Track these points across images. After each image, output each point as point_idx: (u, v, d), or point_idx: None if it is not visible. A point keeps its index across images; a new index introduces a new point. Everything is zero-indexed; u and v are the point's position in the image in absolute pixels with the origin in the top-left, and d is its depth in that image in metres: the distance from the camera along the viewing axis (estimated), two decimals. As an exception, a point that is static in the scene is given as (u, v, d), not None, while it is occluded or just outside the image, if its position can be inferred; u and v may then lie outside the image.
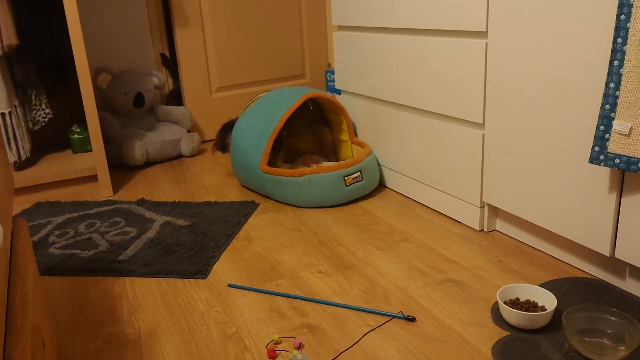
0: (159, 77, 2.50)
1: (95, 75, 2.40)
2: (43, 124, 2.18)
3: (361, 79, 1.94)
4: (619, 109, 1.05)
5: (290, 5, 2.77)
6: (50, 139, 2.54)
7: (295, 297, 1.28)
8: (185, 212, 1.81)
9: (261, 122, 1.87)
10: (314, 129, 2.12)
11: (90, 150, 2.36)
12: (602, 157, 1.09)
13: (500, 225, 1.55)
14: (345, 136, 2.03)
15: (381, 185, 1.96)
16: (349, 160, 1.80)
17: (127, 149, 2.31)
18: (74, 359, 1.12)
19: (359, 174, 1.79)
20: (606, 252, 1.19)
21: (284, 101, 1.88)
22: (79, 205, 1.94)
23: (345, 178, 1.77)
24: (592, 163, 1.11)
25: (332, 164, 1.92)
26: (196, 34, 2.58)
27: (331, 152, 2.10)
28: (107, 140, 2.38)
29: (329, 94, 1.95)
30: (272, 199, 1.89)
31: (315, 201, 1.78)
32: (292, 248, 1.53)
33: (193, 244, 1.57)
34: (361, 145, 1.96)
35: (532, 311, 1.11)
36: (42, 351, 0.76)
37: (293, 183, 1.77)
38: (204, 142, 2.71)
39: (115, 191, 2.10)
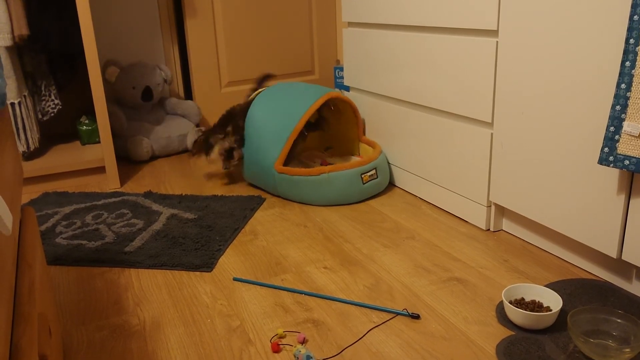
0: (166, 71, 2.51)
1: (103, 68, 2.40)
2: (52, 114, 2.19)
3: (370, 76, 1.94)
4: (629, 110, 1.04)
5: (301, 1, 2.76)
6: (59, 130, 2.56)
7: (300, 292, 1.28)
8: (192, 205, 1.82)
9: (278, 121, 1.82)
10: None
11: (99, 141, 2.36)
12: (611, 158, 1.09)
13: (506, 225, 1.54)
14: (354, 134, 2.03)
15: (389, 183, 1.95)
16: (364, 158, 1.79)
17: (133, 145, 2.31)
18: (79, 348, 1.13)
19: (374, 171, 1.79)
20: (613, 254, 1.19)
21: (302, 101, 1.83)
22: (86, 196, 1.95)
23: (362, 176, 1.77)
24: (601, 164, 1.11)
25: (348, 161, 1.92)
26: (207, 27, 2.58)
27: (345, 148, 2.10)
28: (114, 134, 2.39)
29: (346, 97, 1.94)
30: (283, 198, 1.89)
31: (332, 199, 1.77)
32: (297, 243, 1.53)
33: (199, 237, 1.57)
34: (370, 144, 1.95)
35: (537, 311, 1.11)
36: (48, 339, 0.77)
37: (311, 182, 1.76)
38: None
39: (122, 183, 2.10)
